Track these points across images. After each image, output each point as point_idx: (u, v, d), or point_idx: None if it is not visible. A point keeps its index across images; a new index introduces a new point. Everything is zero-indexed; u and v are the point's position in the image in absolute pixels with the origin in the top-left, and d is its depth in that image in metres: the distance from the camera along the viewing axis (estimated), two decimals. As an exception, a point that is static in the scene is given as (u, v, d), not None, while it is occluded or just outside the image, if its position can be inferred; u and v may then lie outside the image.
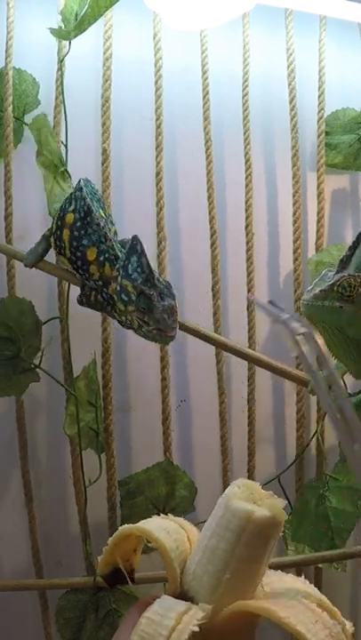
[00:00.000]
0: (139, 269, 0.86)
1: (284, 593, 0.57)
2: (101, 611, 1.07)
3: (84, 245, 0.91)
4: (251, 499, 0.57)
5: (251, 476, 1.17)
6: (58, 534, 1.14)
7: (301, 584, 0.60)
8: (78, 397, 1.06)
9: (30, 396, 1.08)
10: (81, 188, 0.93)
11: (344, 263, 0.86)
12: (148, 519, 0.63)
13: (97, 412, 1.08)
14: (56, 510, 1.14)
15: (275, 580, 0.60)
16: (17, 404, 1.08)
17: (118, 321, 0.93)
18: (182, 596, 0.57)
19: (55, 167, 1.00)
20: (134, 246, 0.86)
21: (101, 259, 0.90)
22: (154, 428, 1.13)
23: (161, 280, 0.88)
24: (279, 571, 0.63)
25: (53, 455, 1.13)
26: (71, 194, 0.95)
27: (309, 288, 0.87)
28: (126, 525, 0.62)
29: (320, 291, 0.84)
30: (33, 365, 1.03)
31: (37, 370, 1.03)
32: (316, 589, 0.59)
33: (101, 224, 0.90)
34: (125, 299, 0.86)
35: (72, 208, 0.93)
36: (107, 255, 0.90)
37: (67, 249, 0.93)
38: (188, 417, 1.21)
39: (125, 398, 1.17)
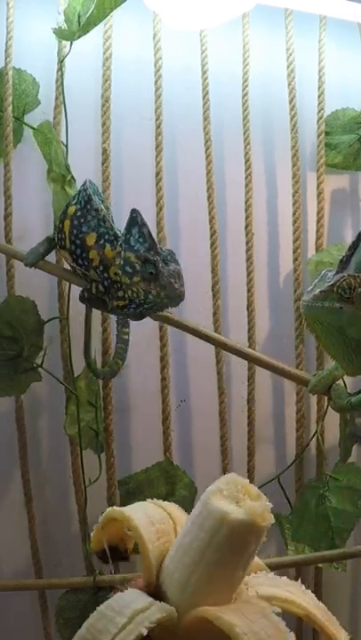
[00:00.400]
0: (140, 240, 0.86)
1: (255, 603, 0.53)
2: (101, 611, 1.07)
3: (84, 232, 0.92)
4: (235, 498, 0.54)
5: (251, 476, 1.17)
6: (58, 534, 1.14)
7: (293, 590, 0.56)
8: (79, 397, 1.06)
9: (30, 395, 1.08)
10: (84, 183, 0.95)
11: (344, 263, 0.86)
12: (138, 503, 0.61)
13: (97, 412, 1.08)
14: (56, 510, 1.14)
15: (263, 583, 0.57)
16: (17, 404, 1.08)
17: (120, 311, 0.93)
18: (157, 588, 0.55)
19: (63, 177, 1.00)
20: (134, 219, 0.87)
21: (101, 242, 0.90)
22: (154, 428, 1.13)
23: (163, 248, 0.88)
24: (272, 574, 0.60)
25: (53, 455, 1.13)
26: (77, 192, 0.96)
27: (309, 289, 0.87)
28: (113, 508, 0.60)
29: (320, 291, 0.84)
30: (35, 365, 1.03)
31: (39, 369, 1.03)
32: (309, 597, 0.56)
33: (100, 208, 0.91)
34: (130, 270, 0.86)
35: (75, 201, 0.94)
36: (106, 237, 0.90)
37: (67, 240, 0.93)
38: (188, 417, 1.21)
39: (125, 398, 1.16)
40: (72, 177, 1.01)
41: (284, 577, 0.59)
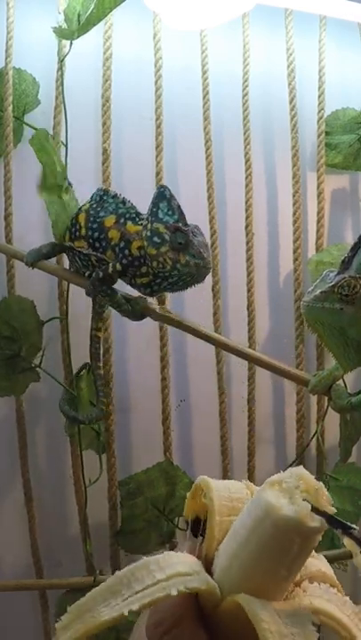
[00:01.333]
0: (170, 212, 0.87)
1: (298, 609, 0.51)
2: (101, 611, 1.07)
3: (101, 216, 0.93)
4: (291, 492, 0.51)
5: (251, 476, 1.17)
6: (58, 534, 1.14)
7: (349, 612, 0.53)
8: (79, 397, 1.06)
9: (30, 396, 1.08)
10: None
11: (346, 264, 0.85)
12: (230, 480, 0.60)
13: (97, 412, 1.08)
14: (56, 510, 1.14)
15: (320, 595, 0.54)
16: (17, 404, 1.08)
17: (142, 289, 0.92)
18: (209, 564, 0.54)
19: (59, 187, 0.98)
20: (162, 193, 0.88)
21: (122, 220, 0.91)
22: (154, 428, 1.13)
23: (189, 223, 0.88)
24: (335, 590, 0.56)
25: (53, 455, 1.13)
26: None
27: (310, 289, 0.87)
28: (202, 477, 0.58)
29: (320, 292, 0.84)
30: (33, 365, 1.03)
31: (38, 369, 1.03)
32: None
33: (118, 194, 0.93)
34: (158, 241, 0.86)
35: (88, 201, 0.96)
36: (127, 215, 0.91)
37: (82, 228, 0.93)
38: (188, 417, 1.21)
39: (125, 398, 1.16)
40: (69, 183, 1.00)
41: (348, 598, 0.55)
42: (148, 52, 1.11)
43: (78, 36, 1.00)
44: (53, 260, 1.04)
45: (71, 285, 1.05)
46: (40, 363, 1.03)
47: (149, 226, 0.87)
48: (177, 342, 1.17)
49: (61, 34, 1.01)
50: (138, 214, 0.92)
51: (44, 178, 0.98)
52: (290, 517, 0.49)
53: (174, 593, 0.49)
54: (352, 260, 0.85)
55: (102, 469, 1.09)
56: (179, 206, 0.87)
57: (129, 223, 0.91)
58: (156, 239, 0.86)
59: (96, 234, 0.92)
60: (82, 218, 0.94)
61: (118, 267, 0.91)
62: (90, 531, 1.09)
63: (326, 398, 1.01)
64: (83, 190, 1.05)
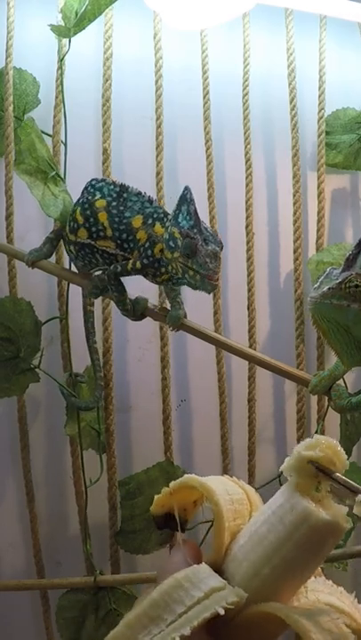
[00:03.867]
0: (188, 217, 0.86)
1: (325, 610, 0.51)
2: (101, 610, 1.07)
3: (127, 217, 0.91)
4: (314, 486, 0.52)
5: (251, 476, 1.17)
6: (58, 534, 1.14)
7: (348, 602, 0.54)
8: (79, 397, 1.06)
9: (31, 396, 1.08)
10: (92, 185, 0.94)
11: (350, 262, 0.85)
12: (217, 477, 0.59)
13: (98, 412, 1.08)
14: (56, 510, 1.14)
15: (321, 589, 0.55)
16: (18, 404, 1.08)
17: (160, 282, 0.92)
18: (218, 571, 0.53)
19: (44, 173, 0.97)
20: (185, 195, 0.87)
21: (149, 221, 0.90)
22: (154, 428, 1.13)
23: (208, 229, 0.87)
24: (331, 582, 0.57)
25: (54, 455, 1.13)
26: (83, 194, 0.95)
27: (316, 285, 0.87)
28: (192, 476, 0.58)
29: (328, 288, 0.84)
30: (32, 366, 1.03)
31: (37, 370, 1.03)
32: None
33: (142, 192, 0.91)
34: (172, 245, 0.86)
35: (98, 196, 0.92)
36: (155, 216, 0.90)
37: (107, 229, 0.92)
38: (188, 417, 1.21)
39: (126, 398, 1.16)
40: (57, 174, 0.99)
41: (341, 587, 0.56)
42: (149, 51, 1.11)
43: (75, 34, 1.00)
44: (53, 259, 1.04)
45: (71, 285, 1.05)
46: (39, 363, 1.03)
47: (169, 229, 0.87)
48: (177, 342, 1.17)
49: (58, 31, 1.01)
50: (165, 214, 0.90)
51: (19, 154, 0.97)
52: (329, 520, 0.50)
53: (222, 612, 0.47)
54: (356, 258, 0.85)
55: (102, 469, 1.09)
56: (195, 211, 0.86)
57: (157, 224, 0.90)
58: (171, 243, 0.86)
59: (125, 235, 0.91)
60: (103, 217, 0.92)
61: (138, 265, 0.90)
62: (90, 531, 1.09)
63: (326, 398, 1.01)
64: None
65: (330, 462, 0.53)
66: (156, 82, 1.11)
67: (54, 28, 1.00)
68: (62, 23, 1.00)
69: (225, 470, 1.16)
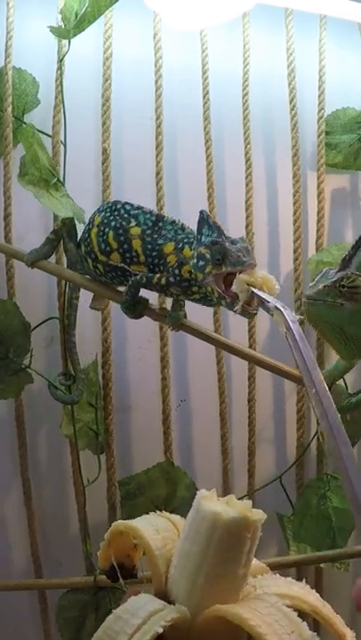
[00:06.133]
0: (209, 232, 0.86)
1: (265, 598, 0.55)
2: (101, 610, 1.07)
3: (160, 244, 0.91)
4: (224, 500, 0.56)
5: (251, 476, 1.17)
6: (58, 534, 1.14)
7: (298, 589, 0.58)
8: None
9: (30, 396, 1.08)
10: (127, 211, 0.93)
11: (346, 262, 0.86)
12: (143, 516, 0.62)
13: (97, 413, 1.08)
14: (56, 510, 1.14)
15: (270, 584, 0.58)
16: (16, 404, 1.08)
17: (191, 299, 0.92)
18: (165, 597, 0.56)
19: (46, 181, 0.98)
20: (202, 218, 0.86)
21: (180, 245, 0.90)
22: (154, 427, 1.13)
23: (234, 238, 0.86)
24: (278, 574, 0.61)
25: (53, 455, 1.13)
26: (116, 218, 0.94)
27: (311, 284, 0.87)
28: (118, 522, 0.61)
29: (323, 286, 0.85)
30: (23, 366, 1.02)
31: (29, 370, 1.03)
32: (315, 596, 0.57)
33: (176, 221, 0.92)
34: (202, 263, 0.85)
35: (133, 224, 0.92)
36: (185, 240, 0.90)
37: (140, 255, 0.93)
38: (188, 417, 1.21)
39: (125, 398, 1.16)
40: (58, 180, 0.99)
41: (289, 577, 0.60)
42: (149, 51, 1.11)
43: (74, 35, 1.00)
44: (53, 259, 1.04)
45: (71, 285, 1.05)
46: (30, 363, 1.03)
47: (195, 253, 0.87)
48: (177, 342, 1.17)
49: (58, 33, 1.01)
50: (196, 239, 0.89)
51: (23, 166, 0.97)
52: (236, 517, 0.53)
53: (160, 630, 0.50)
54: (352, 259, 0.85)
55: (101, 469, 1.09)
56: (215, 223, 0.86)
57: (186, 248, 0.90)
58: (200, 263, 0.85)
59: (156, 260, 0.92)
60: (137, 245, 0.92)
61: (164, 281, 0.91)
62: (90, 531, 1.09)
63: (326, 398, 1.01)
64: (83, 190, 1.06)
65: (260, 286, 0.75)
66: (156, 82, 1.11)
67: (54, 30, 1.00)
68: (62, 24, 1.00)
69: (225, 470, 1.16)
